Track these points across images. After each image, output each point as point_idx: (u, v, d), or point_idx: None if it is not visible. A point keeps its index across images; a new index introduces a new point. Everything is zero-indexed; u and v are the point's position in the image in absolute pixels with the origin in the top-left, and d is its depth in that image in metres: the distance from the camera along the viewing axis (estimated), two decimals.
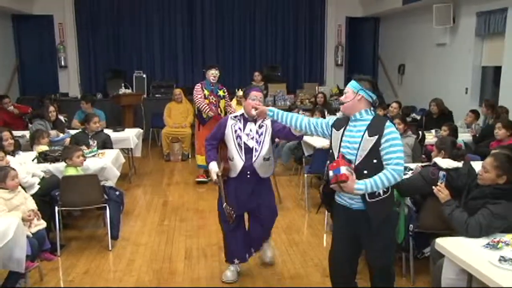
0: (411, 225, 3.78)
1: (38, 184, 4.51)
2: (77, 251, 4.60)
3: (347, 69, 11.57)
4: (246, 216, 3.96)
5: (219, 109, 6.61)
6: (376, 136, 2.74)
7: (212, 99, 6.53)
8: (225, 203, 3.63)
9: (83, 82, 10.81)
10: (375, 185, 2.72)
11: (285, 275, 4.08)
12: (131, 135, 6.90)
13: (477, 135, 6.31)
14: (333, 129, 2.95)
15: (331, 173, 2.76)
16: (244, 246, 3.93)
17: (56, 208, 4.49)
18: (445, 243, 2.95)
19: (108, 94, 10.02)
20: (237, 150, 3.61)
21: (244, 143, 3.61)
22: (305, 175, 5.90)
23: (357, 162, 2.78)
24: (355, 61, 11.71)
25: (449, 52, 8.66)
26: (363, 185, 2.72)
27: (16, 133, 5.94)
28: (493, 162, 3.16)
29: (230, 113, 6.83)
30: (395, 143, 2.74)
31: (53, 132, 6.19)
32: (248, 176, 3.63)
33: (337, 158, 2.80)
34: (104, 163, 5.16)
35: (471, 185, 3.35)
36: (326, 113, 7.26)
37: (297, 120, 3.14)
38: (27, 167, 4.54)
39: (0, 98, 7.57)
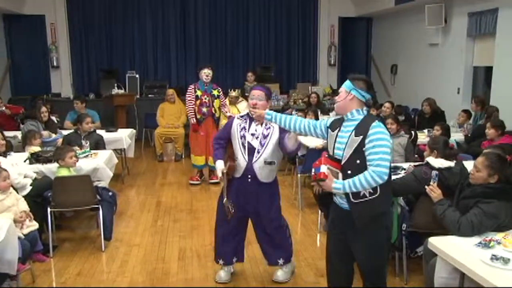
0: (404, 225, 3.80)
1: (30, 185, 4.47)
2: (69, 252, 4.58)
3: (340, 69, 11.61)
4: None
5: (212, 108, 6.61)
6: (361, 136, 2.72)
7: (205, 98, 6.53)
8: (225, 198, 3.60)
9: (75, 82, 10.77)
10: (353, 185, 2.69)
11: None
12: (124, 136, 6.88)
13: (469, 134, 6.36)
14: (329, 130, 2.96)
15: (313, 170, 2.79)
16: (232, 250, 3.88)
17: (49, 209, 4.46)
18: (438, 242, 2.96)
19: (101, 94, 9.99)
20: (241, 149, 3.60)
21: (248, 142, 3.59)
22: (298, 175, 5.91)
23: (342, 162, 2.79)
24: (348, 61, 11.74)
25: (441, 52, 8.72)
26: (340, 185, 2.72)
27: (8, 133, 5.91)
28: (485, 161, 3.18)
29: (226, 112, 6.85)
30: (378, 144, 2.66)
31: (45, 133, 6.16)
32: (249, 180, 3.61)
33: (321, 157, 2.82)
34: (97, 163, 5.14)
35: (463, 185, 3.38)
36: (319, 113, 7.28)
37: (296, 122, 3.14)
38: (19, 168, 4.50)
39: None
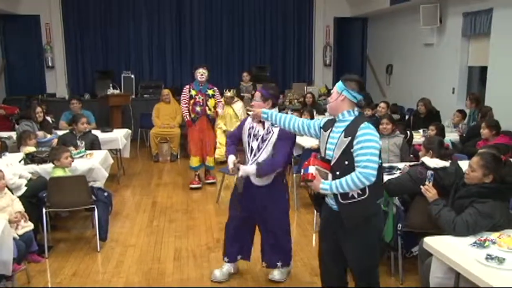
0: (399, 224, 3.80)
1: (25, 185, 4.46)
2: (65, 252, 4.56)
3: (336, 69, 11.63)
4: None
5: (206, 107, 6.59)
6: (350, 138, 2.73)
7: (199, 98, 6.52)
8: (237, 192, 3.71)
9: (70, 82, 10.72)
10: (340, 186, 2.71)
11: None
12: (119, 136, 6.87)
13: (464, 134, 6.37)
14: (322, 130, 2.97)
15: (302, 171, 2.81)
16: (237, 250, 3.93)
17: (44, 210, 4.45)
18: (433, 242, 2.97)
19: (96, 94, 9.95)
20: (246, 148, 3.72)
21: (249, 143, 3.69)
22: (294, 175, 5.91)
23: (332, 163, 2.80)
24: (343, 61, 11.76)
25: (436, 52, 8.74)
26: (328, 185, 2.74)
27: (3, 134, 5.89)
28: (480, 161, 3.19)
29: (219, 113, 6.83)
30: (366, 145, 2.67)
31: (40, 133, 6.14)
32: (248, 180, 3.67)
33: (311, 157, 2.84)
34: (92, 164, 5.12)
35: (458, 184, 3.38)
36: (315, 113, 7.28)
37: (291, 121, 3.17)
38: (14, 168, 4.48)
39: None
